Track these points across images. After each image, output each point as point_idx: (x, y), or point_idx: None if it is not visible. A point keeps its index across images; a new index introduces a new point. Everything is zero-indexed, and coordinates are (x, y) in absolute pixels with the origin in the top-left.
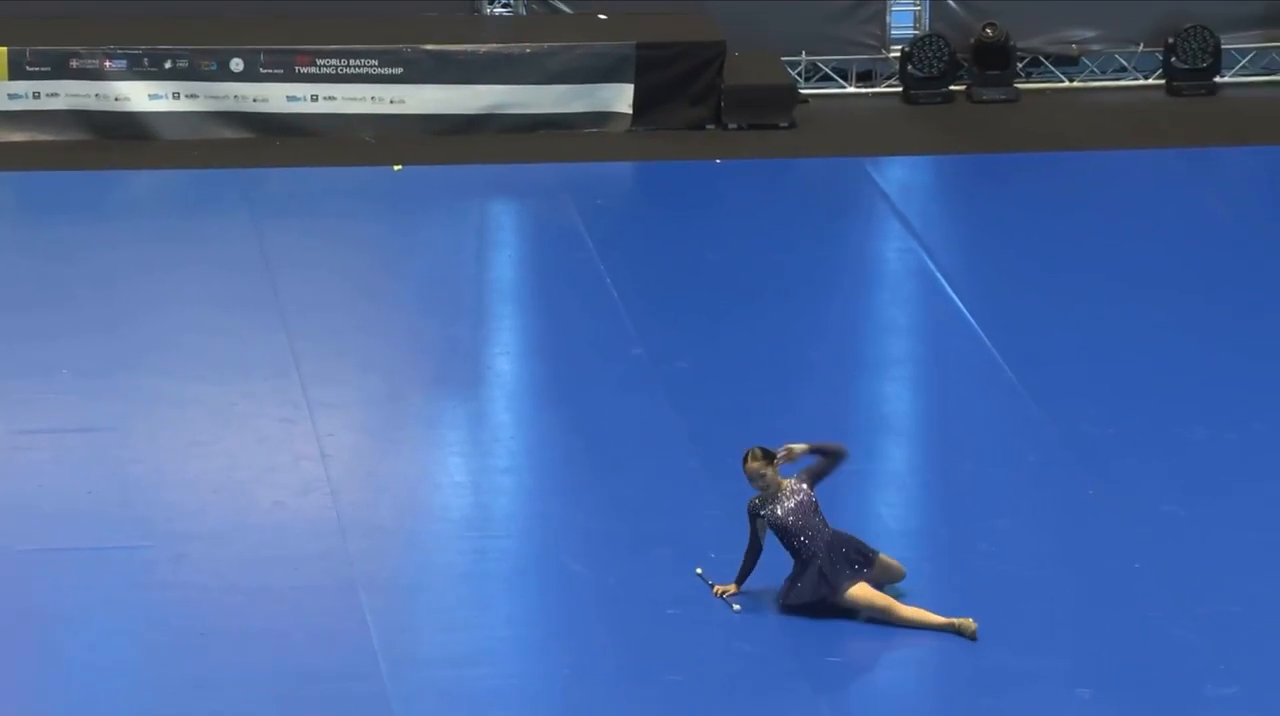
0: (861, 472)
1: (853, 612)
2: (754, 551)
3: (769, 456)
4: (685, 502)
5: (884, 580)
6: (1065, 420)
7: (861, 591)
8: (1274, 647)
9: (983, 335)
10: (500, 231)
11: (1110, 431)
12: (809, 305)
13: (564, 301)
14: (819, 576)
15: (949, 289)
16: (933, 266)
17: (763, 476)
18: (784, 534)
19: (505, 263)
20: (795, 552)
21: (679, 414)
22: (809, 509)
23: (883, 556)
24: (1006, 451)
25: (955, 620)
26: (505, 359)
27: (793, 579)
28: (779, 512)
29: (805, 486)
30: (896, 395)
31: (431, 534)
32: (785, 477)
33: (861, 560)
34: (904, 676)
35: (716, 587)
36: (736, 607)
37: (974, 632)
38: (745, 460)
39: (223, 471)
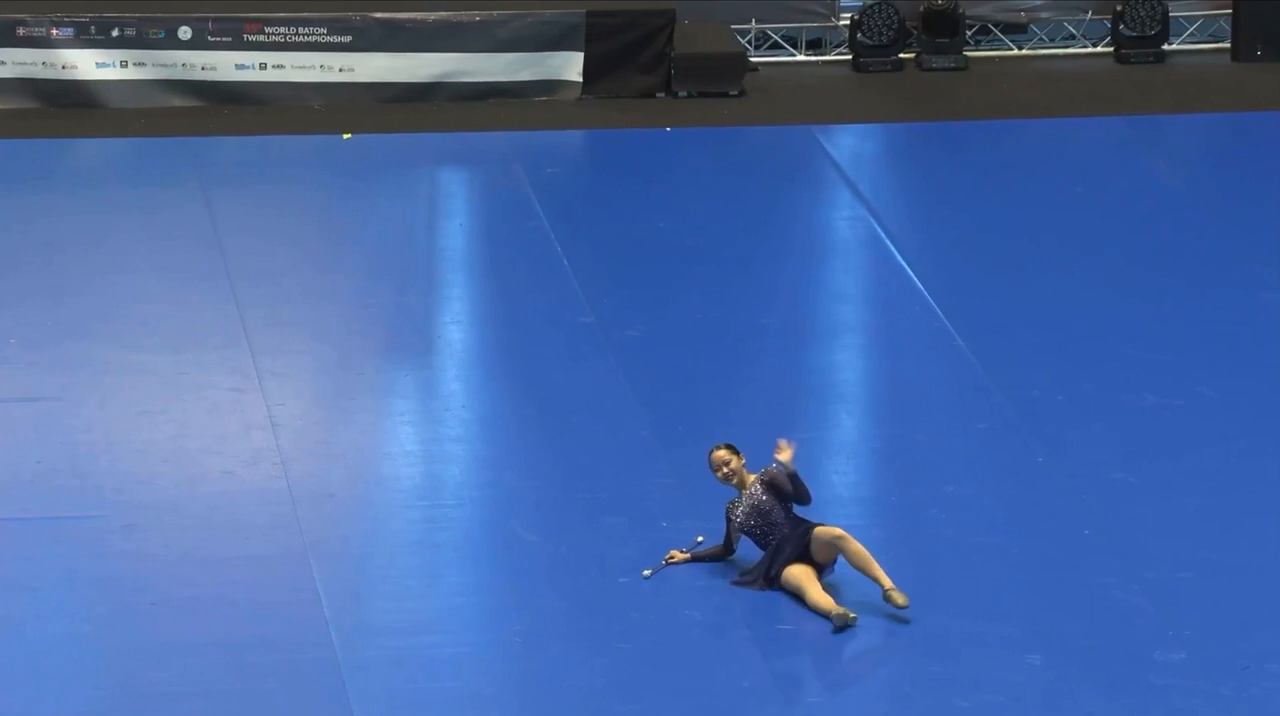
0: (813, 440)
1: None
2: (725, 550)
3: (733, 448)
4: (636, 471)
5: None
6: (1015, 387)
7: (792, 571)
8: (1222, 613)
9: (932, 303)
10: (450, 200)
11: (1059, 398)
12: (760, 273)
13: (515, 270)
14: (765, 568)
15: (899, 256)
16: (882, 234)
17: (726, 464)
18: (747, 534)
19: (456, 231)
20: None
21: (630, 382)
22: (762, 510)
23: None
24: (956, 418)
25: (839, 609)
26: (456, 327)
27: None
28: (740, 518)
29: (759, 488)
30: (847, 363)
31: (382, 502)
32: (751, 473)
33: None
34: (854, 643)
35: (671, 555)
36: (646, 573)
37: (848, 622)
38: (711, 452)
39: (172, 440)
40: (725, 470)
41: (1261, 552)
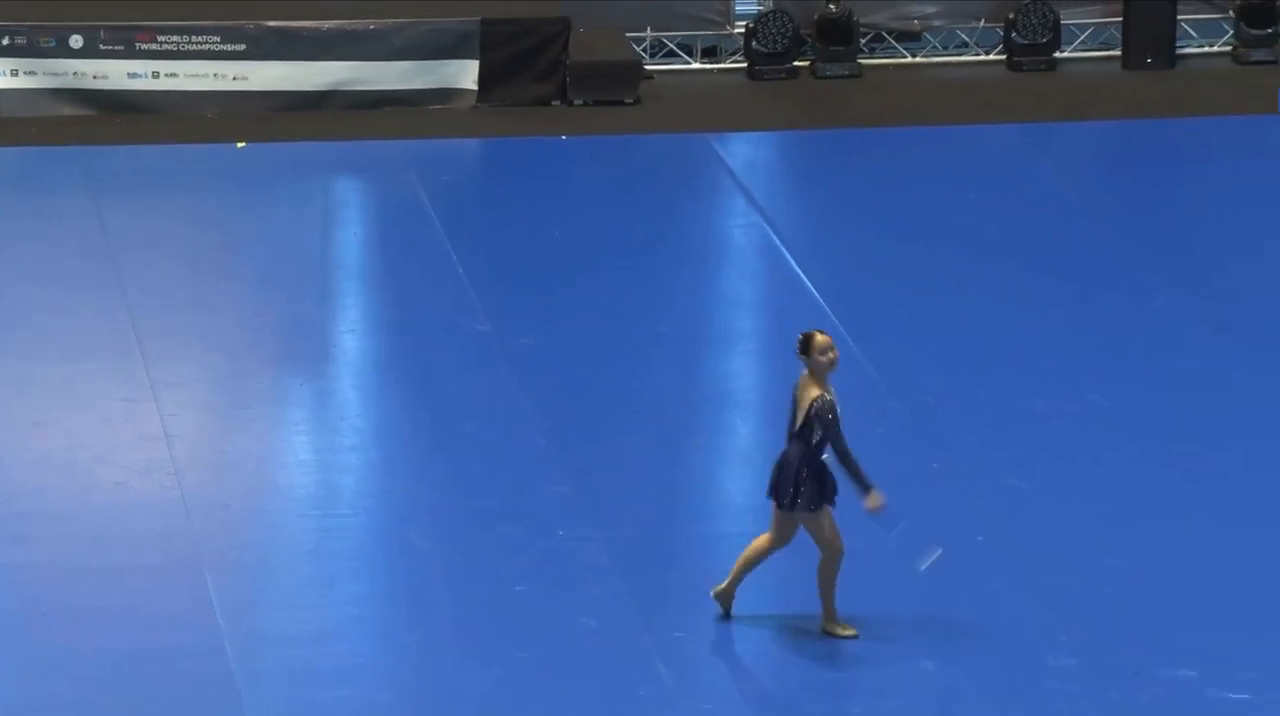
0: (708, 447)
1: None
2: (847, 453)
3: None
4: (532, 478)
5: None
6: (909, 393)
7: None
8: (1112, 618)
9: (827, 309)
10: (345, 208)
11: (953, 404)
12: (655, 280)
13: (410, 278)
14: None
15: (793, 263)
16: (777, 241)
17: (834, 349)
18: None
19: (350, 240)
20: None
21: (525, 390)
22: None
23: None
24: (851, 425)
25: (841, 626)
26: (351, 336)
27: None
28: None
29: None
30: (742, 369)
31: (277, 512)
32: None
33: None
34: (749, 651)
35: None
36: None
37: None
38: (814, 337)
39: (65, 451)
40: (833, 354)
41: (1152, 558)
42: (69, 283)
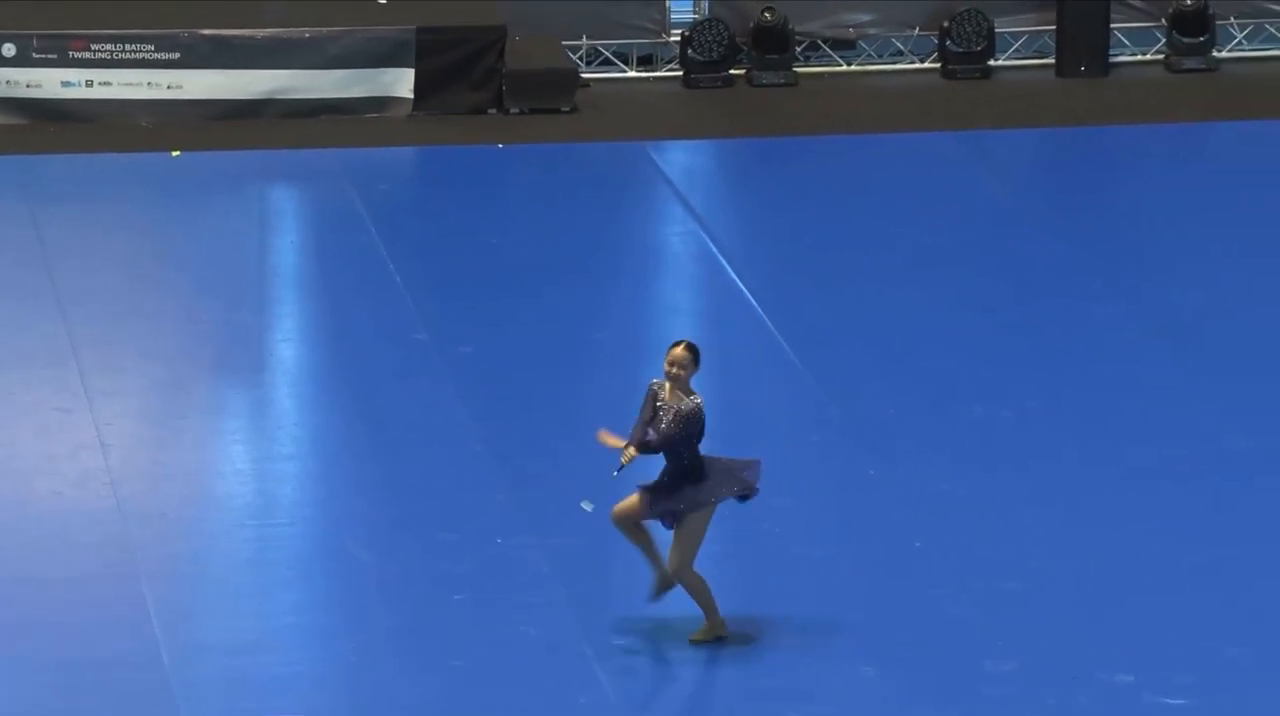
0: (646, 455)
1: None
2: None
3: (695, 355)
4: (469, 487)
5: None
6: (846, 400)
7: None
8: (1049, 623)
9: (764, 316)
10: (281, 217)
11: (890, 410)
12: (593, 289)
13: (347, 287)
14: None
15: (730, 270)
16: (714, 249)
17: (681, 365)
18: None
19: (287, 249)
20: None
21: (463, 399)
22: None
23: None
24: (789, 432)
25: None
26: (288, 345)
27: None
28: (665, 423)
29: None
30: None
31: (214, 522)
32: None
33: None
34: (689, 658)
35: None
36: (588, 506)
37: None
38: (677, 347)
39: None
40: (675, 369)
41: (1090, 563)
42: (3, 292)
